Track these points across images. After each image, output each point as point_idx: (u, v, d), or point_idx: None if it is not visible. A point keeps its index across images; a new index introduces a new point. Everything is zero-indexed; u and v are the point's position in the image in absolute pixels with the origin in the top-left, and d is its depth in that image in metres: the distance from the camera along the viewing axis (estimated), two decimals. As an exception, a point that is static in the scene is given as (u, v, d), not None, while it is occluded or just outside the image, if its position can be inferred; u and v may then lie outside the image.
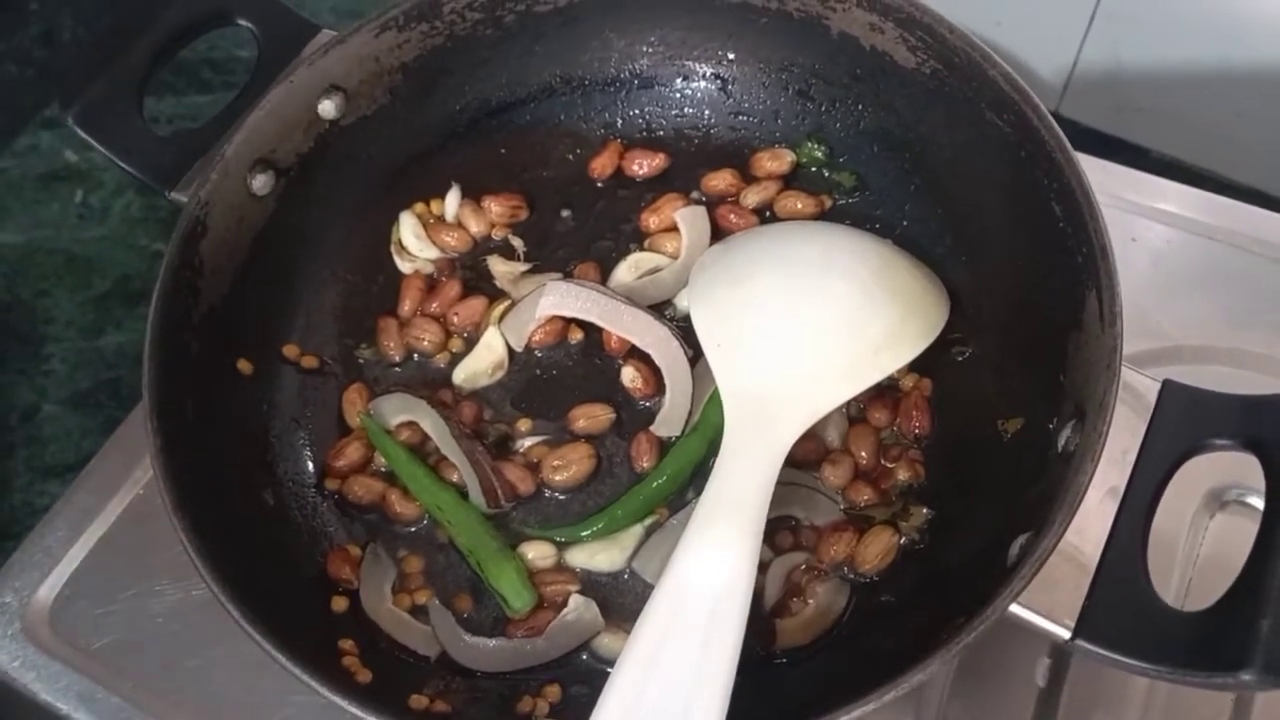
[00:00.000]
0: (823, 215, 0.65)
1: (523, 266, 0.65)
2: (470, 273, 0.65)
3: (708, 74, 0.68)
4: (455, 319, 0.63)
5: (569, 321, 0.63)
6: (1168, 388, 0.50)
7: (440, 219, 0.66)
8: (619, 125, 0.69)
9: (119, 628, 0.61)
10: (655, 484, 0.57)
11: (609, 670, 0.47)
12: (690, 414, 0.59)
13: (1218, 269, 0.70)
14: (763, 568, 0.55)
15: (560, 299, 0.61)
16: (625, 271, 0.64)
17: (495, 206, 0.66)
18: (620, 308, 0.61)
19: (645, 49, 0.68)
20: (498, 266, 0.65)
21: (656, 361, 0.61)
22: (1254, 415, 0.48)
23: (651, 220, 0.65)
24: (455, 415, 0.60)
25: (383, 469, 0.60)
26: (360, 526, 0.59)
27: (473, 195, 0.66)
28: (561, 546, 0.57)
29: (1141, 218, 0.72)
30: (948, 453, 0.58)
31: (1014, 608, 0.45)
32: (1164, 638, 0.44)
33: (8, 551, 0.64)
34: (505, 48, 0.66)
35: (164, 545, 0.59)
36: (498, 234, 0.66)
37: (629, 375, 0.61)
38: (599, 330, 0.62)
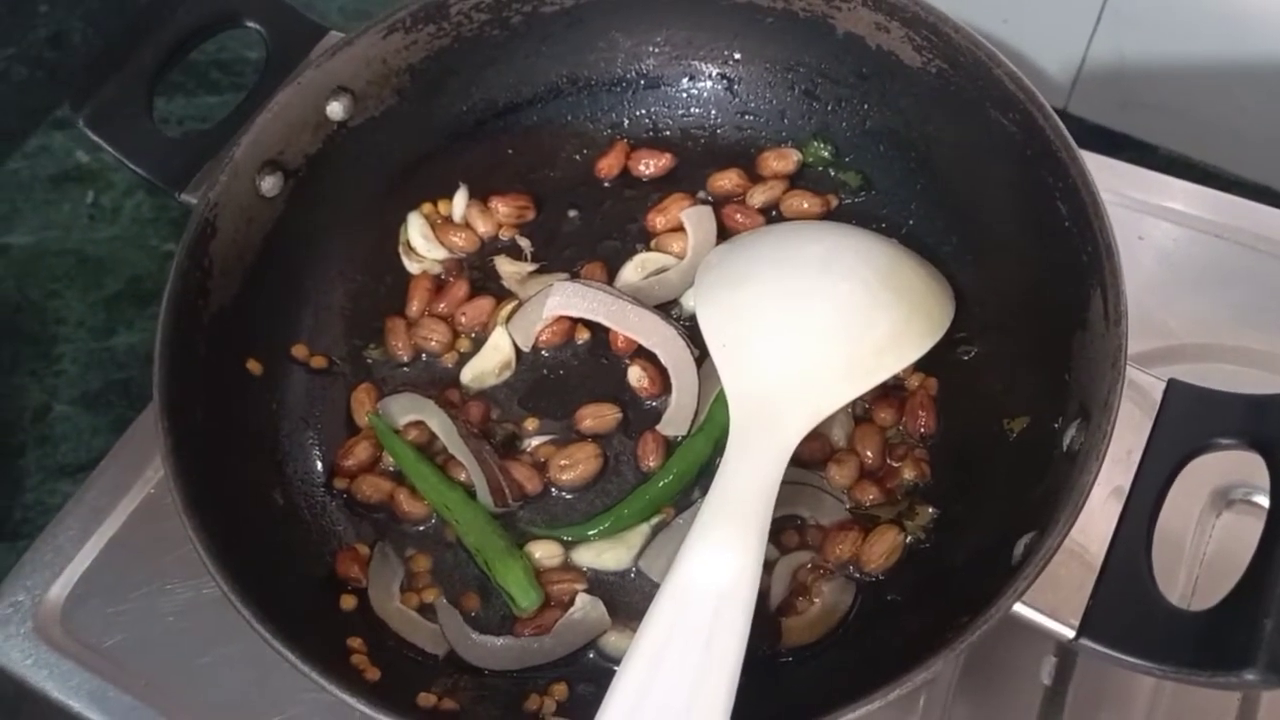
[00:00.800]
0: (829, 215, 0.65)
1: (530, 266, 0.65)
2: (478, 273, 0.66)
3: (714, 74, 0.68)
4: (463, 319, 0.63)
5: (576, 321, 0.63)
6: (1173, 387, 0.50)
7: (448, 219, 0.67)
8: (625, 125, 0.69)
9: (130, 626, 0.62)
10: (661, 483, 0.58)
11: (615, 668, 0.47)
12: (696, 413, 0.59)
13: (1225, 267, 0.70)
14: (768, 567, 0.55)
15: (567, 299, 0.62)
16: (632, 271, 0.64)
17: (502, 207, 0.66)
18: (627, 308, 0.61)
19: (651, 49, 0.68)
20: (505, 267, 0.65)
21: (663, 361, 0.61)
22: (1259, 414, 0.48)
23: (658, 220, 0.66)
24: (463, 415, 0.60)
25: (391, 468, 0.60)
26: (368, 525, 0.59)
27: (480, 196, 0.67)
28: (568, 545, 0.58)
29: (1149, 216, 0.71)
30: (953, 452, 0.58)
31: (1019, 607, 0.45)
32: (1168, 637, 0.44)
33: (20, 551, 0.65)
34: (512, 49, 0.66)
35: (174, 544, 0.59)
36: (505, 234, 0.66)
37: (635, 375, 0.61)
38: (606, 330, 0.62)
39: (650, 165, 0.67)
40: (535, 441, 0.61)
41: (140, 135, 0.62)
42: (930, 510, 0.57)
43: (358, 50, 0.62)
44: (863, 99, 0.65)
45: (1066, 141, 0.53)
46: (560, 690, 0.54)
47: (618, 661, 0.48)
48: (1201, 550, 0.61)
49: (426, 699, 0.52)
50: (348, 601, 0.56)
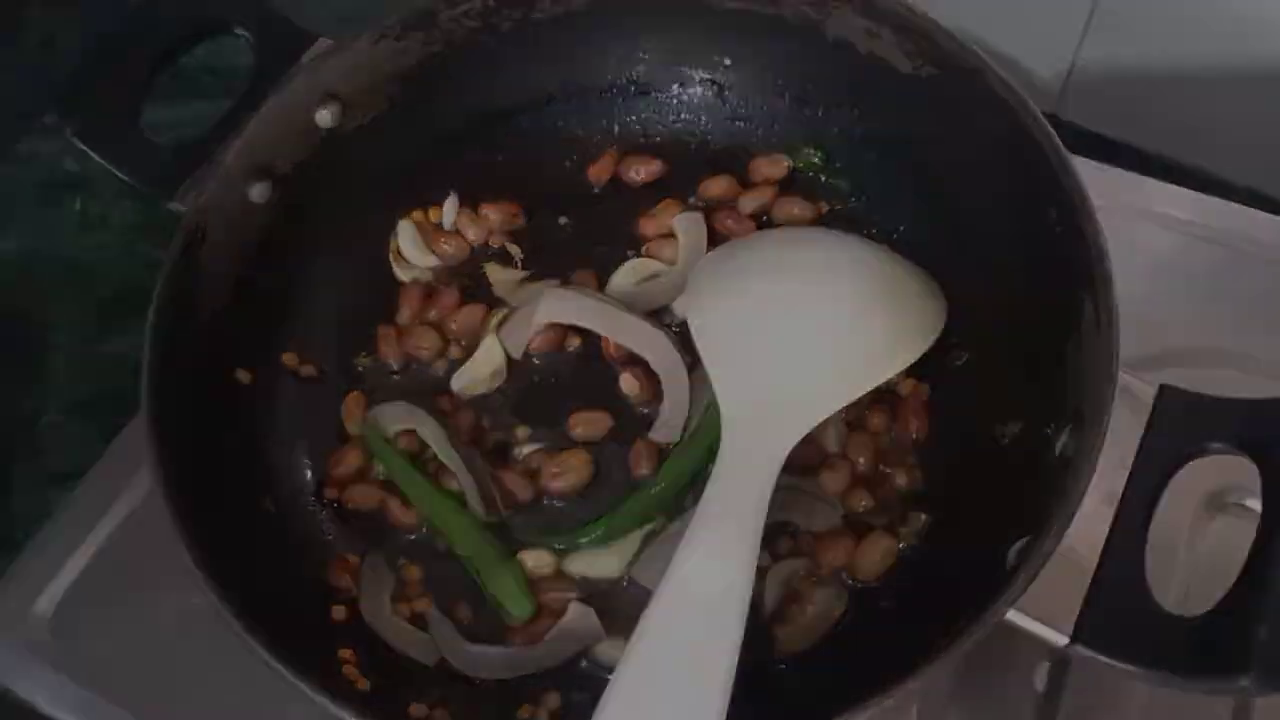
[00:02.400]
0: (820, 221, 0.65)
1: (520, 274, 0.65)
2: (468, 280, 0.65)
3: (704, 80, 0.68)
4: (453, 327, 0.63)
5: (567, 329, 0.63)
6: (1165, 392, 0.50)
7: (438, 227, 0.66)
8: (616, 132, 0.69)
9: (119, 637, 0.61)
10: (653, 490, 0.57)
11: (608, 677, 0.47)
12: (688, 420, 0.59)
13: (1216, 272, 0.70)
14: (761, 574, 0.55)
15: (558, 306, 0.61)
16: (623, 278, 0.64)
17: (493, 214, 0.66)
18: (618, 314, 0.61)
19: (642, 55, 0.68)
20: (496, 274, 0.65)
21: (654, 368, 0.61)
22: (1252, 419, 0.48)
23: (649, 227, 0.65)
24: (453, 423, 0.60)
25: (382, 477, 0.60)
26: (359, 535, 0.59)
27: (470, 203, 0.66)
28: (560, 554, 0.57)
29: (1140, 221, 0.71)
30: (945, 458, 0.58)
31: (1012, 613, 0.45)
32: (1162, 642, 0.44)
33: (8, 560, 0.64)
34: (502, 55, 0.66)
35: (164, 554, 0.59)
36: (495, 241, 0.66)
37: (627, 382, 0.61)
38: (597, 337, 0.62)
39: (641, 172, 0.67)
40: (526, 449, 0.60)
41: (129, 143, 0.62)
42: (923, 517, 0.56)
43: (347, 57, 0.62)
44: (853, 105, 0.65)
45: (1057, 147, 0.53)
46: (553, 699, 0.54)
47: (610, 670, 0.48)
48: (1195, 555, 0.61)
49: (418, 709, 0.52)
50: (339, 611, 0.56)
